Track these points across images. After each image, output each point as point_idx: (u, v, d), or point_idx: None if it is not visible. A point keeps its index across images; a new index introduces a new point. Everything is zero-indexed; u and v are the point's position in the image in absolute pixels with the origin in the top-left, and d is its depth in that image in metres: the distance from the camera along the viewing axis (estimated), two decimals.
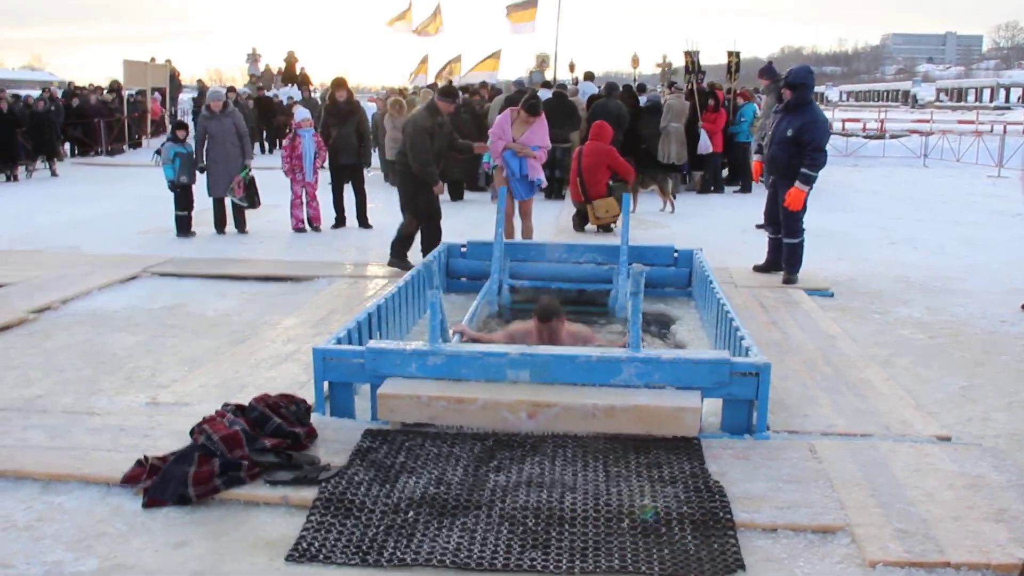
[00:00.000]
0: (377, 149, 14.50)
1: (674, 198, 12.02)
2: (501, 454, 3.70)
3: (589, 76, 17.43)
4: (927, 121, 27.99)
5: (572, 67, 26.20)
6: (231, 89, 20.16)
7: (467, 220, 10.17)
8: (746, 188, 13.92)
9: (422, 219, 7.85)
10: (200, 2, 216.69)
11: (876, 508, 3.31)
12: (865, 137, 23.06)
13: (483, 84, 17.52)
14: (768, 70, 11.51)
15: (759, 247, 8.06)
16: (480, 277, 6.89)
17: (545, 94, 12.84)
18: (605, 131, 10.09)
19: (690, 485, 3.45)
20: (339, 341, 4.43)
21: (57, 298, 6.57)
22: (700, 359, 4.05)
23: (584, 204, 10.06)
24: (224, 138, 9.55)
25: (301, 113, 10.18)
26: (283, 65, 25.85)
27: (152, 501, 3.33)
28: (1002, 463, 3.75)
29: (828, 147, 7.23)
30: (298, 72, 25.17)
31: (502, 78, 19.57)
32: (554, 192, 12.88)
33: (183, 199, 9.60)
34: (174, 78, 25.49)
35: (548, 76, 19.73)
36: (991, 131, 23.66)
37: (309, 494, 3.37)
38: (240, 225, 9.89)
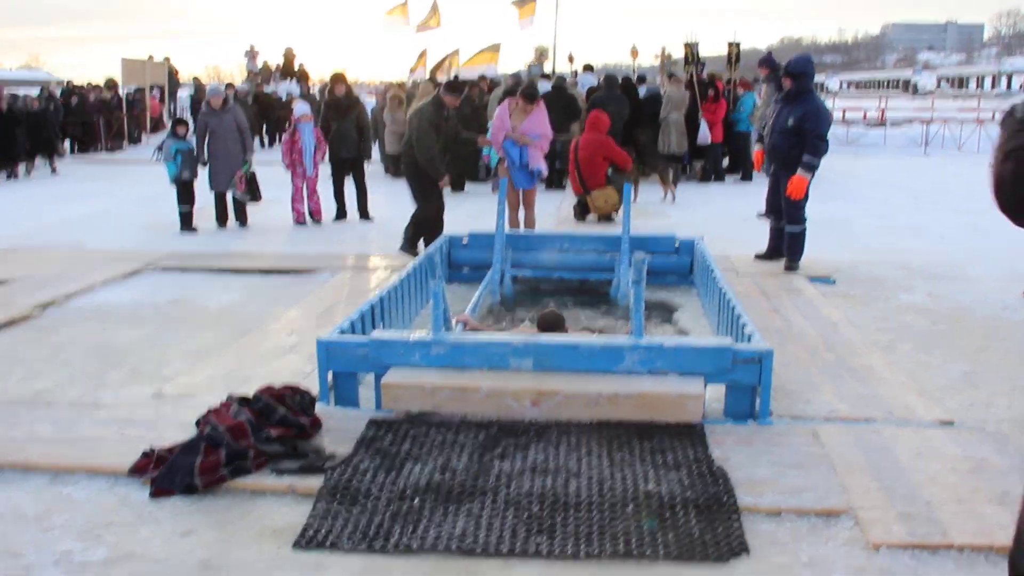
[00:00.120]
0: (377, 142, 14.50)
1: (675, 187, 12.03)
2: (505, 441, 3.72)
3: (588, 68, 17.42)
4: (928, 109, 27.87)
5: (571, 59, 26.14)
6: (230, 86, 20.15)
7: (468, 211, 10.17)
8: (747, 177, 13.93)
9: (439, 203, 7.92)
10: (200, 2, 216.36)
11: (879, 492, 3.32)
12: (866, 126, 23.02)
13: (482, 77, 17.49)
14: (768, 60, 11.53)
15: (760, 235, 8.06)
16: (482, 267, 6.90)
17: (544, 86, 12.85)
18: (601, 122, 10.07)
19: (694, 470, 3.46)
20: (343, 332, 4.46)
21: (62, 293, 6.59)
22: (703, 346, 4.07)
23: (584, 195, 10.08)
24: (225, 134, 9.57)
25: (301, 108, 10.18)
26: (281, 61, 25.82)
27: (159, 491, 3.35)
28: (1005, 447, 3.77)
29: (829, 136, 7.23)
30: (296, 68, 25.15)
31: (501, 72, 19.48)
32: (555, 183, 12.88)
33: (185, 194, 9.63)
34: (172, 76, 25.49)
35: (547, 68, 19.70)
36: (992, 118, 23.57)
37: (315, 482, 3.38)
38: (241, 219, 9.91)
